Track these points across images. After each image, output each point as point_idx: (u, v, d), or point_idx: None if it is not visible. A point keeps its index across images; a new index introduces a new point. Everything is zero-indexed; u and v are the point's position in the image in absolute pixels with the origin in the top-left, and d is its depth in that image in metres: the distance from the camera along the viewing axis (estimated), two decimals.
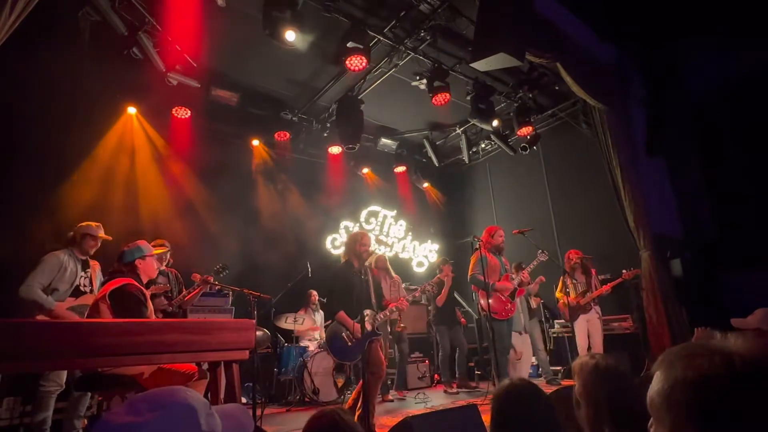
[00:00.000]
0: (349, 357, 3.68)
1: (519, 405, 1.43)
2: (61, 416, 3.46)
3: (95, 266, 3.79)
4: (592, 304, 5.26)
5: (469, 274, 4.87)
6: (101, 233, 3.72)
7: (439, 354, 6.08)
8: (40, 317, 3.30)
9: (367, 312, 3.68)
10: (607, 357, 1.49)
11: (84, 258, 3.68)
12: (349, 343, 3.61)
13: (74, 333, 1.89)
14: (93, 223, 3.73)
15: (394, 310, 4.03)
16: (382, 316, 3.81)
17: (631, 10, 5.42)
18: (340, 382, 5.40)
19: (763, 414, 0.63)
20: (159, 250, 3.85)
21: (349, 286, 3.71)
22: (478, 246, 4.57)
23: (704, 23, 5.34)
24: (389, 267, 5.80)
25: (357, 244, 3.86)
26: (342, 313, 3.66)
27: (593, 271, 5.48)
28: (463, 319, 6.37)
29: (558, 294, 5.49)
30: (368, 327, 3.64)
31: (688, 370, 0.68)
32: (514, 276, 4.99)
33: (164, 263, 4.20)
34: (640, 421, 1.31)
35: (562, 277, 5.46)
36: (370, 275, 3.80)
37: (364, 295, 3.63)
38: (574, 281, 5.36)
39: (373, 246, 4.34)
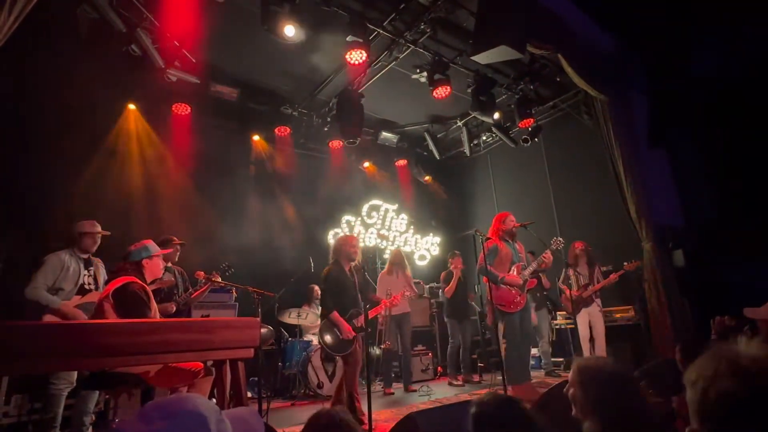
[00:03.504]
0: (340, 350, 3.99)
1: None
2: (69, 413, 3.49)
3: (98, 264, 3.81)
4: (593, 297, 5.26)
5: (478, 265, 4.56)
6: (98, 229, 3.73)
7: (448, 347, 6.05)
8: (48, 317, 3.32)
9: (353, 311, 4.05)
10: (610, 362, 1.47)
11: (86, 256, 3.69)
12: (341, 338, 3.95)
13: (82, 334, 1.91)
14: (87, 221, 3.73)
15: (381, 313, 4.23)
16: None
17: None
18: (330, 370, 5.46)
19: None
20: (169, 249, 3.90)
21: (339, 286, 4.04)
22: (487, 237, 4.48)
23: (706, 11, 5.28)
24: (405, 262, 5.87)
25: (346, 246, 4.16)
26: (336, 314, 3.96)
27: (596, 264, 5.48)
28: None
29: (561, 285, 5.50)
30: (357, 324, 4.00)
31: (710, 391, 0.83)
32: (530, 262, 4.74)
33: (173, 261, 4.22)
34: (644, 421, 1.32)
35: (564, 269, 5.48)
36: (356, 276, 4.16)
37: (352, 294, 4.06)
38: (577, 273, 5.36)
39: (363, 242, 4.66)
